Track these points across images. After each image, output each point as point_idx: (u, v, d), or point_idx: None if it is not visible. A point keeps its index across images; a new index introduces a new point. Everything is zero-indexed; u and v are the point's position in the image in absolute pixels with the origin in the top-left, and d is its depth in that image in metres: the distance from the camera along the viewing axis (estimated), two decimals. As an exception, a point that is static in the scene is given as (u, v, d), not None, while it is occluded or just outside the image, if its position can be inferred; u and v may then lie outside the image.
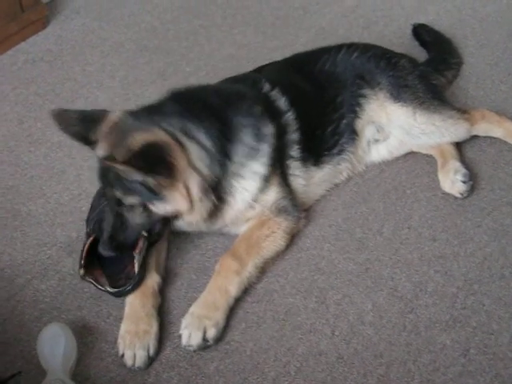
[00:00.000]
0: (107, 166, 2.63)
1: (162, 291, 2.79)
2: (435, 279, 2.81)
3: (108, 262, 2.77)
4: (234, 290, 2.70)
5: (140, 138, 2.61)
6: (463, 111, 3.34)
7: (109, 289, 2.70)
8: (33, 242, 3.05)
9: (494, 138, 3.38)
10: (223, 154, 2.76)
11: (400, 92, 3.23)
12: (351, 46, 3.35)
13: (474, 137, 3.37)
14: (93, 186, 3.16)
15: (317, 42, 3.99)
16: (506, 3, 4.39)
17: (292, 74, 3.25)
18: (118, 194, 2.63)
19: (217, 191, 2.76)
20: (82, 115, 2.79)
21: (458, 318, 2.67)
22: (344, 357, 2.57)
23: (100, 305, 2.77)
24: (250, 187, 2.84)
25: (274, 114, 2.96)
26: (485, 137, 3.38)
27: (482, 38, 4.10)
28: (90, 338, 2.66)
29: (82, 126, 2.76)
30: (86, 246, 2.76)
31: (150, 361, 2.57)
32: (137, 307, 2.66)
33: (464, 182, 3.11)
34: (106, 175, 2.66)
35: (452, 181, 3.12)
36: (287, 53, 3.53)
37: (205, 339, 2.57)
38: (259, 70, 3.33)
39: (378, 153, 3.31)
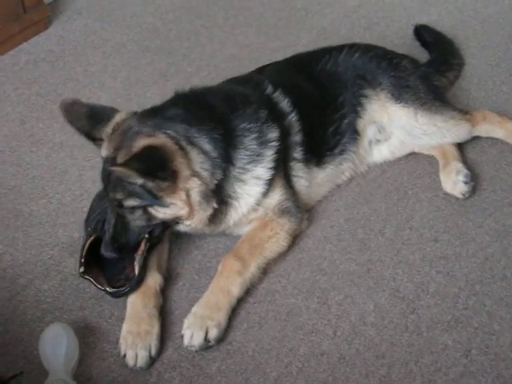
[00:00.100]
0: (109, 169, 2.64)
1: (164, 291, 2.79)
2: (437, 280, 2.81)
3: (108, 263, 2.77)
4: (236, 290, 2.70)
5: (142, 141, 2.62)
6: (465, 112, 3.34)
7: (107, 288, 2.70)
8: (35, 242, 3.05)
9: (496, 138, 3.38)
10: (226, 160, 2.76)
11: (401, 92, 3.24)
12: (353, 47, 3.35)
13: (476, 138, 3.37)
14: (95, 186, 3.18)
15: (318, 42, 3.99)
16: (507, 4, 4.39)
17: (294, 74, 3.26)
18: (119, 195, 2.63)
19: (220, 196, 2.76)
20: (91, 111, 2.80)
21: (460, 318, 2.67)
22: (346, 357, 2.57)
23: (102, 305, 2.77)
24: (253, 192, 2.84)
25: (277, 117, 2.96)
26: (486, 138, 3.38)
27: (484, 39, 4.10)
28: (91, 339, 2.66)
29: (89, 122, 2.78)
30: (87, 245, 2.76)
31: (152, 361, 2.57)
32: (139, 307, 2.66)
33: (466, 183, 3.11)
34: (108, 177, 2.67)
35: (454, 181, 3.13)
36: (289, 53, 3.53)
37: (207, 339, 2.58)
38: (261, 71, 3.33)
39: (380, 153, 3.31)
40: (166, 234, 2.85)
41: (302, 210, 2.99)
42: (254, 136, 2.85)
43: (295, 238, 2.97)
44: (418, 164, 3.32)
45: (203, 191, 2.70)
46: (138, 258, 2.71)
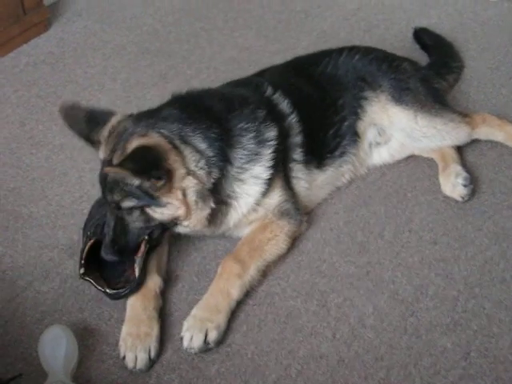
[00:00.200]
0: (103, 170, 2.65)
1: (164, 294, 2.79)
2: (436, 282, 2.81)
3: (108, 266, 2.77)
4: (235, 292, 2.70)
5: (135, 142, 2.63)
6: (464, 115, 3.34)
7: (107, 290, 2.70)
8: (34, 244, 3.05)
9: (495, 141, 3.38)
10: (223, 159, 2.77)
11: (401, 95, 3.24)
12: (353, 49, 3.36)
13: (475, 140, 3.37)
14: (94, 188, 3.18)
15: (318, 45, 4.00)
16: (507, 7, 4.40)
17: (294, 76, 3.26)
18: (116, 197, 2.64)
19: (219, 196, 2.77)
20: (89, 115, 2.82)
21: (459, 321, 2.67)
22: (345, 360, 2.57)
23: (101, 307, 2.77)
24: (252, 192, 2.85)
25: (276, 118, 2.97)
26: (486, 140, 3.39)
27: (484, 42, 4.11)
28: (91, 341, 2.66)
29: (87, 125, 2.79)
30: (87, 247, 2.76)
31: (151, 363, 2.57)
32: (138, 309, 2.66)
33: (465, 186, 3.11)
34: (105, 179, 2.67)
35: (453, 184, 3.13)
36: (289, 56, 3.53)
37: (206, 342, 2.57)
38: (261, 74, 3.34)
39: (380, 156, 3.31)
40: (165, 236, 2.86)
41: (301, 212, 3.00)
42: (251, 135, 2.85)
43: (295, 241, 2.97)
44: (417, 167, 3.32)
45: (199, 190, 2.70)
46: (138, 261, 2.71)
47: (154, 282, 2.76)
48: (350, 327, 2.67)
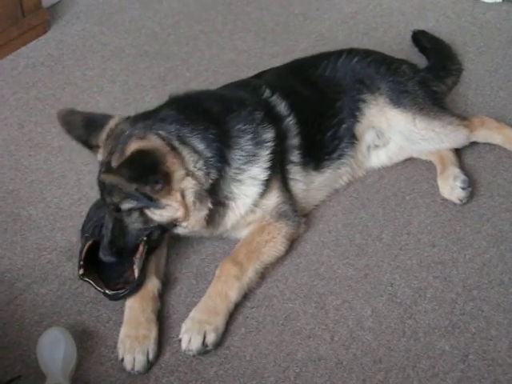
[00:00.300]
0: (107, 170, 2.65)
1: (162, 296, 2.79)
2: (434, 285, 2.81)
3: (107, 267, 2.77)
4: (234, 295, 2.70)
5: (133, 145, 2.63)
6: (463, 118, 3.35)
7: (107, 291, 2.70)
8: (33, 246, 3.05)
9: (493, 144, 3.38)
10: (221, 160, 2.77)
11: (400, 97, 3.24)
12: (351, 52, 3.36)
13: (474, 143, 3.37)
14: (93, 190, 3.18)
15: (317, 47, 4.01)
16: (505, 10, 4.40)
17: (292, 79, 3.26)
18: (115, 199, 2.64)
19: (216, 197, 2.77)
20: (87, 120, 2.83)
21: (457, 323, 2.67)
22: (343, 362, 2.57)
23: (100, 309, 2.77)
24: (250, 192, 2.85)
25: (274, 120, 2.97)
26: (484, 143, 3.39)
27: (482, 45, 4.11)
28: (89, 343, 2.66)
29: (85, 130, 2.80)
30: (85, 248, 2.76)
31: (150, 365, 2.57)
32: (136, 312, 2.66)
33: (463, 189, 3.11)
34: (104, 182, 2.67)
35: (451, 187, 3.13)
36: (287, 59, 3.54)
37: (204, 344, 2.57)
38: (259, 76, 3.34)
39: (378, 158, 3.31)
40: (164, 237, 2.86)
41: (299, 214, 3.00)
42: (249, 137, 2.86)
43: (293, 243, 2.97)
44: (415, 169, 3.32)
45: (198, 191, 2.70)
46: (138, 262, 2.71)
47: (152, 284, 2.76)
48: (348, 329, 2.67)
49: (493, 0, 4.44)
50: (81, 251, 2.78)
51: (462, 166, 3.26)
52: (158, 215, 2.67)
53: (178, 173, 2.65)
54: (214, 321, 2.62)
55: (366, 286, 2.82)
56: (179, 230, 2.79)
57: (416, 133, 3.24)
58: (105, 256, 2.68)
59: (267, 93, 3.07)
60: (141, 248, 2.71)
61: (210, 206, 2.75)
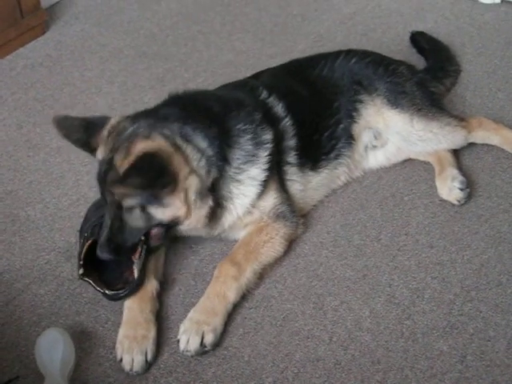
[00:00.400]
0: (109, 169, 2.65)
1: (160, 297, 2.79)
2: (432, 286, 2.81)
3: (106, 268, 2.77)
4: (232, 295, 2.71)
5: (139, 145, 2.62)
6: (460, 118, 3.35)
7: (107, 291, 2.70)
8: (31, 246, 3.05)
9: (491, 145, 3.38)
10: (222, 158, 2.78)
11: (397, 98, 3.24)
12: (349, 53, 3.36)
13: (472, 144, 3.38)
14: (92, 191, 3.19)
15: (315, 48, 4.02)
16: (503, 11, 4.40)
17: (289, 79, 3.26)
18: (117, 197, 2.64)
19: (216, 196, 2.77)
20: (84, 122, 2.83)
21: (455, 324, 2.67)
22: (341, 363, 2.57)
23: (98, 310, 2.77)
24: (248, 193, 2.85)
25: (271, 121, 2.98)
26: (482, 144, 3.39)
27: (480, 46, 4.11)
28: (88, 343, 2.66)
29: (84, 132, 2.80)
30: (85, 248, 2.76)
31: (148, 366, 2.57)
32: (135, 312, 2.66)
33: (461, 189, 3.11)
34: (105, 179, 2.67)
35: (449, 188, 3.13)
36: (285, 59, 3.54)
37: (203, 344, 2.57)
38: (256, 77, 3.34)
39: (376, 159, 3.32)
40: (166, 237, 2.83)
41: (297, 215, 3.00)
42: (249, 137, 2.86)
43: (291, 244, 2.97)
44: (413, 170, 3.33)
45: (199, 189, 2.71)
46: (137, 262, 2.71)
47: (151, 284, 2.76)
48: (346, 330, 2.67)
49: (491, 1, 4.44)
50: (80, 251, 2.78)
51: (460, 167, 3.26)
52: (161, 213, 2.66)
53: (183, 171, 2.66)
54: (213, 321, 2.62)
55: (365, 287, 2.82)
56: (182, 228, 2.79)
57: (414, 134, 3.24)
58: (102, 253, 2.66)
59: (264, 94, 3.07)
60: (139, 248, 2.71)
61: (211, 203, 2.75)
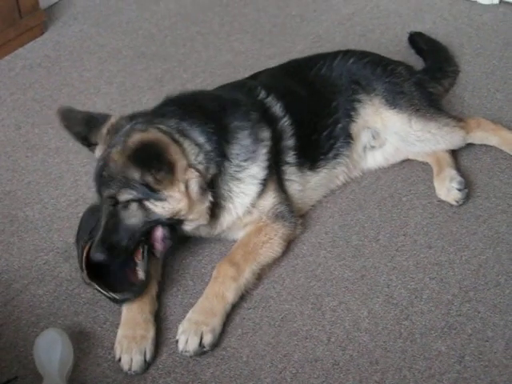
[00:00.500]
0: (106, 163, 2.65)
1: (159, 297, 2.79)
2: (431, 286, 2.82)
3: (109, 271, 2.74)
4: (231, 296, 2.71)
5: (136, 137, 2.63)
6: (459, 119, 3.35)
7: (114, 295, 2.67)
8: (30, 247, 3.05)
9: (490, 146, 3.39)
10: (221, 154, 2.78)
11: (396, 98, 3.25)
12: (347, 53, 3.37)
13: (470, 145, 3.38)
14: (90, 191, 3.19)
15: (313, 49, 4.02)
16: (501, 11, 4.41)
17: (287, 79, 3.27)
18: (113, 190, 2.63)
19: (215, 194, 2.77)
20: (87, 117, 2.85)
21: (454, 325, 2.67)
22: (340, 363, 2.57)
23: (96, 310, 2.77)
24: (249, 191, 2.86)
25: (269, 121, 2.98)
26: (480, 145, 3.40)
27: (478, 47, 4.12)
28: (86, 344, 2.66)
29: (85, 127, 2.83)
30: (85, 252, 2.74)
31: (147, 365, 2.57)
32: (134, 312, 2.66)
33: (459, 190, 3.12)
34: (101, 175, 2.68)
35: (447, 188, 3.13)
36: (284, 60, 3.54)
37: (201, 345, 2.57)
38: (255, 76, 3.35)
39: (375, 160, 3.32)
40: (176, 237, 2.79)
41: (295, 215, 3.00)
42: (246, 132, 2.87)
43: (289, 244, 2.98)
44: (412, 171, 3.33)
45: (200, 182, 2.71)
46: (140, 263, 2.69)
47: (150, 285, 2.76)
48: (344, 331, 2.67)
49: (489, 2, 4.45)
50: (80, 258, 2.77)
51: (459, 168, 3.26)
52: (160, 207, 2.65)
53: (181, 163, 2.66)
54: (211, 322, 2.63)
55: (363, 288, 2.83)
56: (185, 226, 2.77)
57: (412, 134, 3.24)
58: (95, 253, 2.63)
59: (262, 94, 3.08)
60: (140, 249, 2.70)
61: (211, 198, 2.75)
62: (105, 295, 2.70)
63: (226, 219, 2.87)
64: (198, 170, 2.71)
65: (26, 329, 2.72)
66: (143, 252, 2.71)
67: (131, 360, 2.55)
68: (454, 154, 3.33)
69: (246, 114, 2.92)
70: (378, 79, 3.28)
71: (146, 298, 2.71)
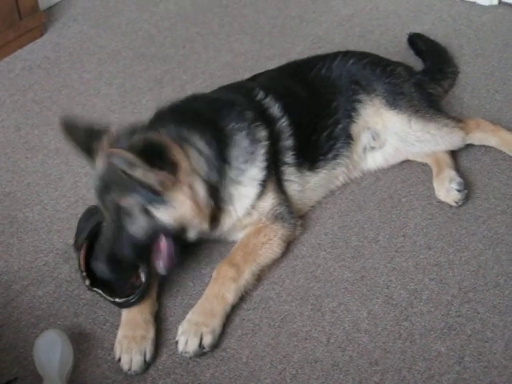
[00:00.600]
0: (107, 168, 2.63)
1: (158, 298, 2.79)
2: (430, 287, 2.82)
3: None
4: (231, 297, 2.71)
5: (139, 137, 2.63)
6: (458, 120, 3.35)
7: (117, 299, 2.67)
8: (29, 248, 3.05)
9: (489, 146, 3.39)
10: (221, 160, 2.78)
11: (396, 99, 3.25)
12: (347, 54, 3.37)
13: (469, 145, 3.38)
14: (90, 192, 3.19)
15: (313, 50, 4.02)
16: (501, 12, 4.41)
17: (287, 80, 3.27)
18: (115, 195, 2.60)
19: (216, 199, 2.77)
20: (89, 130, 2.76)
21: (453, 325, 2.67)
22: (339, 364, 2.57)
23: (96, 311, 2.77)
24: (249, 193, 2.86)
25: (267, 121, 2.98)
26: (479, 145, 3.40)
27: (478, 48, 4.12)
28: (86, 345, 2.66)
29: (88, 140, 2.74)
30: (82, 255, 2.75)
31: (147, 366, 2.57)
32: (134, 313, 2.66)
33: (459, 191, 3.12)
34: (103, 180, 2.66)
35: (447, 189, 3.14)
36: (284, 61, 3.54)
37: (201, 346, 2.57)
38: (254, 78, 3.35)
39: (374, 160, 3.32)
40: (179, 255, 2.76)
41: (295, 216, 3.00)
42: (244, 134, 2.86)
43: (289, 245, 2.98)
44: (411, 172, 3.33)
45: (204, 186, 2.70)
46: (143, 266, 2.70)
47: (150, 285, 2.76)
48: (344, 332, 2.68)
49: (489, 3, 4.45)
50: (79, 263, 2.77)
51: (458, 169, 3.26)
52: (164, 213, 2.61)
53: (184, 164, 2.65)
54: (211, 323, 2.63)
55: (362, 288, 2.83)
56: (189, 234, 2.74)
57: (411, 135, 3.25)
58: (100, 270, 2.61)
59: (260, 95, 3.07)
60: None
61: (212, 203, 2.75)
62: (108, 300, 2.70)
63: (226, 222, 2.86)
64: (199, 175, 2.70)
65: (26, 330, 2.72)
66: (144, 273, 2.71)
67: (131, 360, 2.55)
68: (454, 154, 3.33)
69: (241, 113, 2.91)
70: (378, 80, 3.28)
71: (145, 299, 2.71)
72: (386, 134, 3.28)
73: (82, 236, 2.82)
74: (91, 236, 2.78)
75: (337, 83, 3.26)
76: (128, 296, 2.66)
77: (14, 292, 2.87)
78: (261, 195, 2.89)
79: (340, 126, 3.20)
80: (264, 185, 2.89)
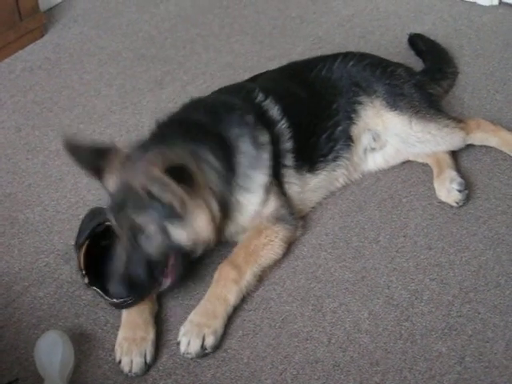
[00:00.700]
0: (123, 186, 2.61)
1: (159, 299, 2.79)
2: (431, 287, 2.82)
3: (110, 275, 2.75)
4: (232, 298, 2.71)
5: (155, 151, 2.62)
6: (459, 120, 3.35)
7: (114, 300, 2.67)
8: (30, 249, 3.05)
9: (490, 147, 3.39)
10: (227, 168, 2.78)
11: (396, 100, 3.25)
12: (347, 55, 3.37)
13: (470, 146, 3.38)
14: (90, 193, 3.20)
15: (313, 51, 4.02)
16: (501, 13, 4.41)
17: (287, 81, 3.27)
18: (131, 212, 2.58)
19: (223, 209, 2.76)
20: (95, 149, 2.73)
21: (454, 326, 2.67)
22: (340, 364, 2.57)
23: (97, 312, 2.77)
24: (256, 199, 2.86)
25: (267, 124, 2.97)
26: (480, 146, 3.39)
27: (478, 48, 4.12)
28: (87, 346, 2.66)
29: (96, 159, 2.71)
30: (82, 254, 2.75)
31: (147, 367, 2.57)
32: (134, 314, 2.66)
33: (459, 191, 3.12)
34: (117, 197, 2.64)
35: (448, 190, 3.14)
36: (284, 62, 3.55)
37: (203, 347, 2.57)
38: (254, 79, 3.35)
39: (375, 161, 3.32)
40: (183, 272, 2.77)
41: (296, 217, 3.00)
42: (246, 139, 2.86)
43: (290, 246, 2.98)
44: (412, 172, 3.33)
45: (216, 200, 2.70)
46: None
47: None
48: (345, 332, 2.67)
49: (489, 3, 4.45)
50: (78, 262, 2.77)
51: (459, 169, 3.26)
52: (181, 233, 2.61)
53: (200, 178, 2.65)
54: (213, 324, 2.62)
55: (363, 289, 2.83)
56: (199, 250, 2.75)
57: (412, 135, 3.24)
58: (116, 288, 2.61)
59: (260, 97, 3.06)
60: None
61: (221, 214, 2.75)
62: (106, 299, 2.70)
63: (230, 228, 2.87)
64: (212, 189, 2.70)
65: (27, 331, 2.72)
66: None
67: (131, 362, 2.54)
68: (454, 155, 3.33)
69: (241, 118, 2.91)
70: (378, 81, 3.27)
71: (146, 300, 2.71)
72: (387, 135, 3.27)
73: (83, 235, 2.82)
74: (92, 235, 2.78)
75: (337, 84, 3.26)
76: (126, 297, 2.67)
77: (14, 293, 2.87)
78: (265, 200, 2.88)
79: (340, 127, 3.20)
80: (268, 189, 2.89)
